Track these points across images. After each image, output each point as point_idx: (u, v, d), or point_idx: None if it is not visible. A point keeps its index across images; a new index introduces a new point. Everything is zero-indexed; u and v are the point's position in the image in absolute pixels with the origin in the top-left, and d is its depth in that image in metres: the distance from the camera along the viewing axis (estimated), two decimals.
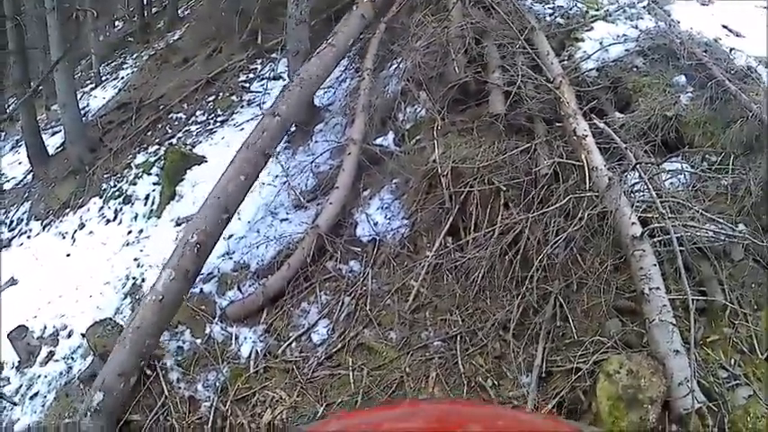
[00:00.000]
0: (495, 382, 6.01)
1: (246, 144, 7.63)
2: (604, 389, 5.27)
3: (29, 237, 11.11)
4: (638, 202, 6.37)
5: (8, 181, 13.25)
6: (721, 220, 6.17)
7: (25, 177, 12.95)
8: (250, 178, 7.53)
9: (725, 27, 8.15)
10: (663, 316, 5.46)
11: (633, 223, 6.02)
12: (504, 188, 6.83)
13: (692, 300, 5.53)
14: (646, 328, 5.59)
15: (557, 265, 6.27)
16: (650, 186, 6.32)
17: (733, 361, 5.57)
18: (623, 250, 6.07)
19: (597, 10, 8.57)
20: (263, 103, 10.56)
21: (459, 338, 6.32)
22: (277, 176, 8.46)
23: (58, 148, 12.97)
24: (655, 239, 5.93)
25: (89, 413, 6.44)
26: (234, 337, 7.03)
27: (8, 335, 8.58)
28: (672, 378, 5.19)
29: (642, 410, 5.11)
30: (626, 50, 7.81)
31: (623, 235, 6.04)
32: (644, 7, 8.52)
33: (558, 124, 7.30)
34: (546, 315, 6.15)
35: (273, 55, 11.64)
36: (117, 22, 22.22)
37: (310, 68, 8.31)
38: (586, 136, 6.83)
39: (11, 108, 15.63)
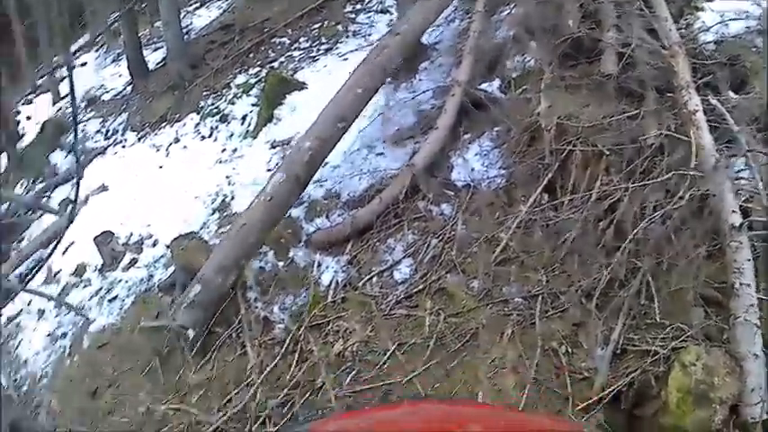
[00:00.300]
0: (569, 350, 5.93)
1: (367, 59, 7.88)
2: (677, 379, 5.19)
3: (123, 146, 11.40)
4: (741, 190, 6.10)
5: (108, 92, 13.54)
6: None
7: (124, 89, 13.22)
8: (368, 92, 7.73)
9: None
10: (749, 315, 5.29)
11: (734, 212, 5.78)
12: (607, 153, 6.65)
13: None
14: (729, 324, 5.43)
15: (650, 241, 6.07)
16: (758, 176, 6.06)
17: None
18: (720, 238, 5.85)
19: None
20: (369, 35, 10.51)
21: (540, 299, 6.25)
22: (377, 110, 8.37)
23: (158, 63, 13.19)
24: (754, 233, 5.69)
25: (186, 304, 6.76)
26: (316, 264, 7.11)
27: (94, 239, 8.92)
28: (746, 382, 5.05)
29: (710, 410, 5.03)
30: (747, 28, 7.43)
31: (722, 222, 5.81)
32: None
33: (669, 95, 7.00)
34: (631, 291, 5.97)
35: None
36: None
37: None
38: (697, 111, 6.54)
39: (112, 22, 15.90)
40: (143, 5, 14.61)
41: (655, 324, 5.81)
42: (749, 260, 5.53)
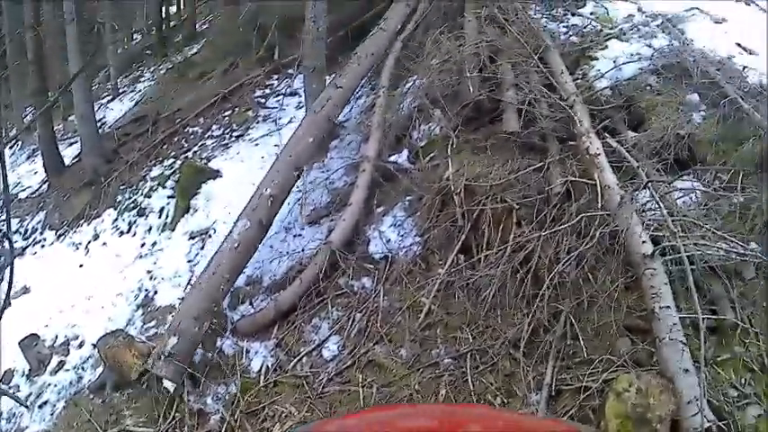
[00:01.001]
0: (505, 401, 5.98)
1: (313, 109, 8.42)
2: (613, 407, 5.24)
3: (43, 246, 11.18)
4: (649, 220, 6.35)
5: (24, 190, 13.32)
6: (733, 239, 6.12)
7: (41, 187, 13.03)
8: (316, 141, 8.20)
9: (738, 45, 8.12)
10: (673, 335, 5.43)
11: (644, 242, 6.01)
12: (517, 206, 6.85)
13: (703, 318, 5.50)
14: (656, 346, 5.56)
15: (568, 283, 6.26)
16: (661, 205, 6.31)
17: (743, 380, 5.50)
18: (634, 269, 6.07)
19: (611, 28, 8.61)
20: (279, 119, 10.63)
21: (469, 356, 6.32)
22: (292, 192, 8.41)
23: (74, 158, 13.05)
24: (666, 258, 5.90)
25: (162, 357, 6.80)
26: (245, 352, 7.06)
27: (19, 343, 8.61)
28: (681, 397, 5.14)
29: (651, 429, 5.07)
30: (639, 69, 7.82)
31: (634, 254, 6.03)
32: (658, 26, 8.54)
33: (571, 143, 7.33)
34: (556, 333, 6.13)
35: (290, 71, 11.70)
36: (135, 35, 22.41)
37: (367, 47, 8.91)
38: (599, 154, 6.85)
39: (28, 118, 15.76)
40: (57, 100, 14.54)
41: (584, 361, 5.94)
42: (666, 284, 5.74)
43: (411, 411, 3.81)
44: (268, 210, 7.57)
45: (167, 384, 6.85)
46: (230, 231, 7.45)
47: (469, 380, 6.14)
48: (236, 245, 7.29)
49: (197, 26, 18.47)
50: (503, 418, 3.71)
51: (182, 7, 21.01)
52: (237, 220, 7.49)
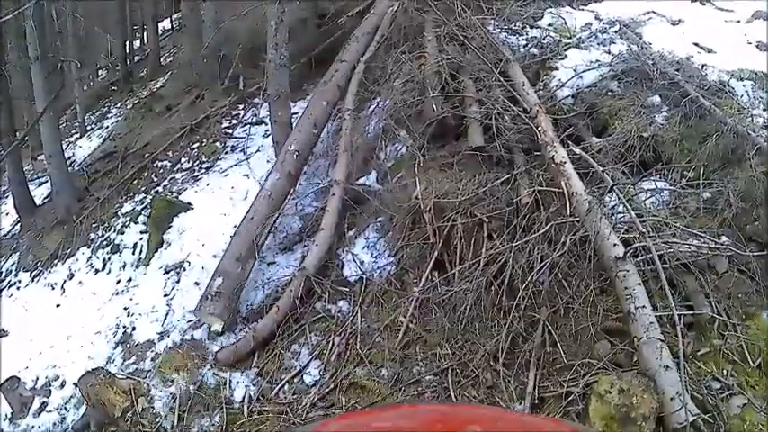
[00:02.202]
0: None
1: (323, 81, 9.45)
2: (597, 410, 5.31)
3: (18, 288, 11.07)
4: (619, 223, 6.50)
5: None
6: (703, 234, 6.28)
7: (13, 228, 12.90)
8: (330, 104, 9.16)
9: (696, 44, 8.31)
10: (650, 333, 5.53)
11: (615, 245, 6.13)
12: (487, 220, 6.94)
13: (678, 315, 5.64)
14: (635, 346, 5.65)
15: (543, 291, 6.37)
16: (629, 207, 6.47)
17: (725, 371, 5.61)
18: (607, 272, 6.17)
19: (570, 38, 8.77)
20: (247, 148, 10.66)
21: (450, 371, 6.37)
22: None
23: (45, 198, 12.98)
24: (638, 259, 6.03)
25: (210, 297, 7.45)
26: (227, 382, 7.02)
27: (0, 386, 8.54)
28: (664, 394, 5.23)
29: (636, 428, 5.14)
30: (600, 76, 7.96)
31: (606, 257, 6.14)
32: (616, 32, 8.71)
33: (536, 153, 7.44)
34: (535, 342, 6.21)
35: (256, 100, 11.75)
36: (100, 72, 22.37)
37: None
38: (565, 163, 6.98)
39: None
40: (25, 139, 14.45)
41: (565, 366, 6.02)
42: (639, 284, 5.85)
43: (412, 411, 3.80)
44: (294, 163, 8.46)
45: (215, 325, 7.43)
46: (263, 185, 8.43)
47: (452, 394, 6.18)
48: (269, 194, 8.18)
49: (161, 59, 18.48)
50: (504, 417, 3.72)
51: (145, 41, 21.01)
52: (269, 174, 8.50)
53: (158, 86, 16.26)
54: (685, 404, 5.11)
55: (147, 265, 9.43)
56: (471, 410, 4.05)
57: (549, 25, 9.15)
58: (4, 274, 11.67)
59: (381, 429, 3.19)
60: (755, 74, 7.74)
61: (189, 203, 9.78)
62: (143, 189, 11.23)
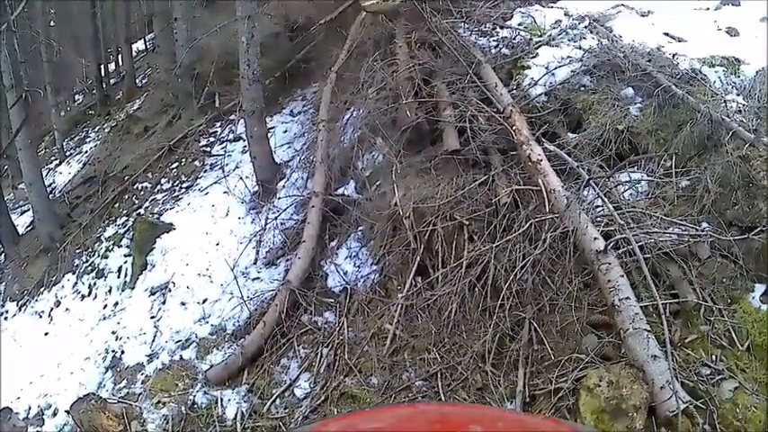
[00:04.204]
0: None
1: None
2: (587, 404, 5.32)
3: (6, 318, 11.04)
4: (599, 217, 6.52)
5: None
6: (684, 222, 6.32)
7: None
8: None
9: (666, 34, 8.36)
10: (636, 324, 5.54)
11: (596, 238, 6.15)
12: (467, 222, 6.97)
13: (663, 304, 5.68)
14: (621, 338, 5.65)
15: (526, 290, 6.38)
16: (606, 200, 6.50)
17: (714, 357, 5.62)
18: (590, 266, 6.18)
19: (540, 36, 8.80)
20: (226, 165, 10.66)
21: (439, 375, 6.38)
22: (245, 237, 8.57)
23: (27, 226, 12.98)
24: (619, 251, 6.05)
25: None
26: (218, 401, 7.01)
27: None
28: (653, 383, 5.24)
29: (627, 419, 5.14)
30: (572, 71, 8.00)
31: (588, 251, 6.16)
32: (586, 27, 8.75)
33: (512, 153, 7.47)
34: (522, 341, 6.22)
35: (232, 116, 11.78)
36: (77, 96, 22.30)
37: None
38: (541, 160, 7.01)
39: None
40: (5, 168, 14.40)
41: (553, 363, 6.02)
42: (622, 276, 5.86)
43: (411, 412, 3.78)
44: None
45: None
46: None
47: (443, 398, 6.18)
48: None
49: (137, 81, 18.44)
50: (504, 418, 3.69)
51: (120, 64, 20.96)
52: None
53: (135, 108, 16.23)
54: (675, 392, 5.13)
55: (132, 288, 9.42)
56: (471, 411, 4.02)
57: (519, 24, 9.18)
58: None
59: (381, 429, 3.18)
60: (727, 59, 7.76)
61: (171, 224, 9.78)
62: (125, 212, 11.23)
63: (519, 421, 3.58)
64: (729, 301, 5.97)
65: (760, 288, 5.98)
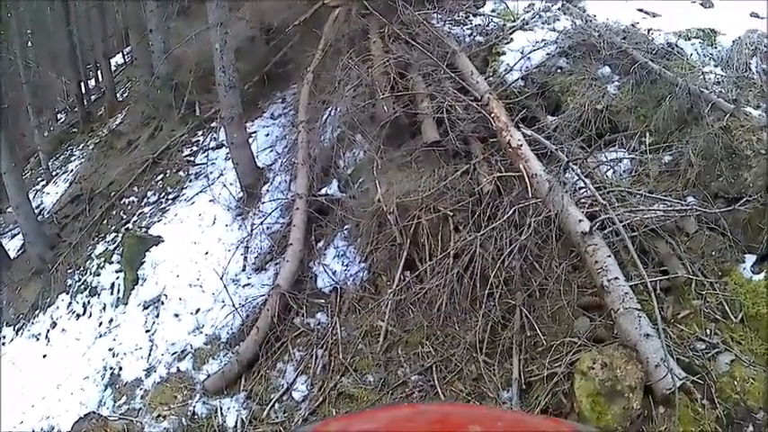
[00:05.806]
0: (478, 404, 6.02)
1: None
2: (582, 387, 5.33)
3: (3, 343, 11.01)
4: (583, 198, 6.55)
5: None
6: (668, 198, 6.35)
7: None
8: None
9: (640, 10, 8.40)
10: (627, 304, 5.55)
11: (580, 220, 6.17)
12: (451, 213, 7.00)
13: (651, 281, 5.69)
14: (613, 319, 5.66)
15: (515, 277, 6.41)
16: (587, 182, 6.52)
17: (708, 331, 5.64)
18: (577, 249, 6.20)
19: (514, 21, 8.82)
20: (211, 173, 10.62)
21: (434, 368, 6.41)
22: (233, 244, 8.57)
23: (18, 250, 12.91)
24: (606, 231, 6.06)
25: None
26: (217, 410, 7.03)
27: None
28: (648, 362, 5.24)
29: (624, 400, 5.16)
30: (547, 54, 8.03)
31: (573, 234, 6.18)
32: (559, 9, 8.77)
33: (492, 140, 7.47)
34: (514, 328, 6.25)
35: (213, 124, 11.73)
36: (59, 115, 22.19)
37: None
38: (521, 146, 7.02)
39: None
40: None
41: (547, 348, 6.04)
42: (609, 256, 5.87)
43: (411, 411, 3.79)
44: None
45: None
46: None
47: (439, 391, 6.22)
48: None
49: (117, 95, 18.36)
50: (503, 418, 3.70)
51: (100, 79, 20.86)
52: None
53: (117, 123, 16.15)
54: (671, 369, 5.13)
55: (125, 304, 9.40)
56: (471, 410, 4.04)
57: (492, 11, 9.23)
58: None
59: (381, 430, 3.19)
60: (703, 31, 7.83)
61: (159, 236, 9.77)
62: (113, 228, 11.20)
63: (519, 421, 3.59)
64: (720, 273, 5.99)
65: (750, 258, 6.01)
